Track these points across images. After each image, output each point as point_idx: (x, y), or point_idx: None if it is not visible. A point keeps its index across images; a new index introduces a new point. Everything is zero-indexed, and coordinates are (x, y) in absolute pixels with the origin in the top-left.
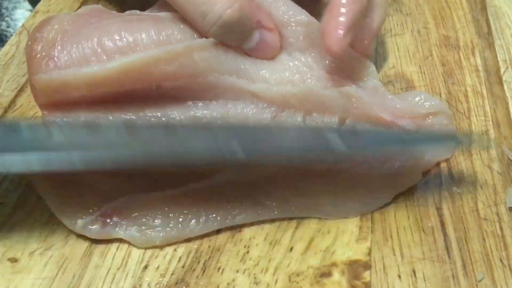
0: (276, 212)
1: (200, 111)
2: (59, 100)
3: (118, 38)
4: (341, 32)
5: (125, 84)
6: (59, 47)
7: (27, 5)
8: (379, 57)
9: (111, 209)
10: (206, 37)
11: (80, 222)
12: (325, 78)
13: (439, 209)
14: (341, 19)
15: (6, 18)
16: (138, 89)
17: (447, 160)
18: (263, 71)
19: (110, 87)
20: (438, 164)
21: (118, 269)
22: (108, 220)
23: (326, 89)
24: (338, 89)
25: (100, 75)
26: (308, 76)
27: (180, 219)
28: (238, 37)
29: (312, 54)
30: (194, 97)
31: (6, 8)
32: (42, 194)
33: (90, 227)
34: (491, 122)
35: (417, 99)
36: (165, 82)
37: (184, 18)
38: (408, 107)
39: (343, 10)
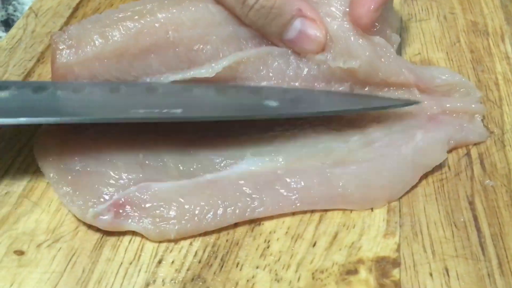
0: (298, 204)
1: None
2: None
3: None
4: (373, 6)
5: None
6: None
7: None
8: (403, 43)
9: (124, 197)
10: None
11: (91, 211)
12: (351, 28)
13: (471, 203)
14: None
15: (13, 2)
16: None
17: (478, 151)
18: None
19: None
20: (469, 155)
21: (131, 263)
22: (120, 211)
23: (354, 35)
24: (366, 36)
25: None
26: (335, 23)
27: (196, 212)
28: (277, 24)
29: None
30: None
31: None
32: (50, 181)
33: (101, 217)
34: None
35: (438, 72)
36: (182, 30)
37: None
38: (429, 77)
39: None
